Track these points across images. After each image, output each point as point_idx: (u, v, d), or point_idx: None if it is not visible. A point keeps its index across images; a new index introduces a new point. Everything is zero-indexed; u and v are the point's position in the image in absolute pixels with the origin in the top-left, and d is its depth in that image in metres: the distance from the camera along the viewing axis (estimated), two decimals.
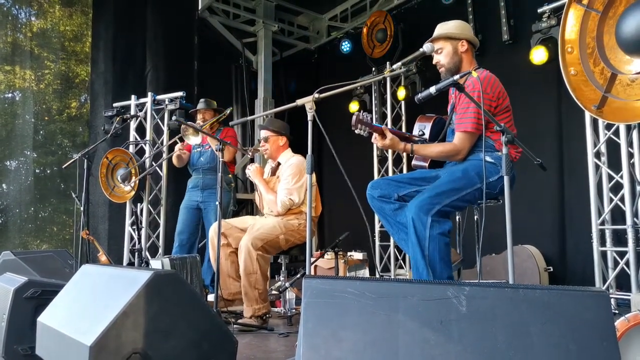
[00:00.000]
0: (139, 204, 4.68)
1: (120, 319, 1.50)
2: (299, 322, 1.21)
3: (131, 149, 4.71)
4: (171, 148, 4.47)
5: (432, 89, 2.05)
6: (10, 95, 5.52)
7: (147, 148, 4.71)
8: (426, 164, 2.54)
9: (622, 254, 3.34)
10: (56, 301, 1.94)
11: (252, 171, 3.36)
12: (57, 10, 5.78)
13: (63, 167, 4.26)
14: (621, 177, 3.34)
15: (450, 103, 2.59)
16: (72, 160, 4.12)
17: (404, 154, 4.80)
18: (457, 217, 2.79)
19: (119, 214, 4.91)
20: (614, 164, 3.42)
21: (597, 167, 3.49)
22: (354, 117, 2.27)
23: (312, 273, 3.86)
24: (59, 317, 1.81)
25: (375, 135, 2.39)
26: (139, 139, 4.80)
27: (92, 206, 4.78)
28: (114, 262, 4.47)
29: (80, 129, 5.95)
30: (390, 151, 5.18)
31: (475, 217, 2.60)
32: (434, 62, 2.51)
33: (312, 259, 3.46)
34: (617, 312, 2.78)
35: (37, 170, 5.63)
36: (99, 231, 5.05)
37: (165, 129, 4.74)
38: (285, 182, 3.22)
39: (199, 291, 3.35)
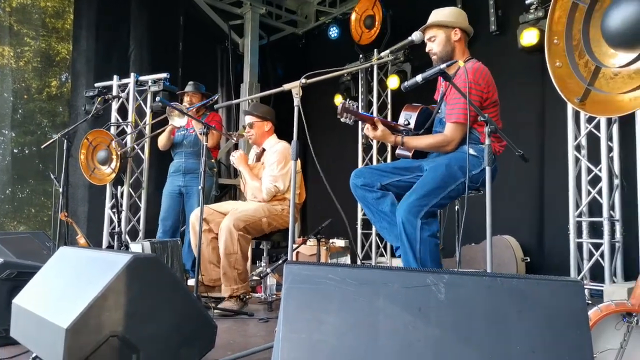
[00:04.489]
0: (119, 187, 4.61)
1: (99, 302, 1.48)
2: (279, 308, 1.21)
3: (112, 130, 4.62)
4: (156, 129, 4.40)
5: (419, 78, 2.04)
6: None
7: (128, 130, 4.63)
8: (410, 154, 2.55)
9: (597, 246, 3.42)
10: (32, 283, 1.91)
11: (236, 158, 3.33)
12: None
13: (42, 147, 4.18)
14: (600, 170, 3.41)
15: (439, 92, 2.59)
16: (52, 140, 4.03)
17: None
18: None
19: (99, 197, 4.83)
20: (594, 157, 3.49)
21: (577, 160, 3.55)
22: (340, 105, 2.27)
23: (294, 259, 3.87)
24: (35, 299, 1.79)
25: (367, 125, 2.39)
26: (120, 121, 4.72)
27: (71, 188, 4.70)
28: (93, 245, 4.41)
29: (61, 109, 5.82)
30: (375, 140, 5.19)
31: (456, 207, 2.62)
32: (426, 49, 2.49)
33: (295, 246, 3.47)
34: (590, 302, 2.86)
35: (15, 150, 5.51)
36: (78, 213, 4.98)
37: (147, 110, 4.66)
38: (270, 169, 3.20)
39: (180, 275, 3.33)
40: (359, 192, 2.46)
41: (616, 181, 3.43)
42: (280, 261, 3.48)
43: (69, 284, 1.75)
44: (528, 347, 1.08)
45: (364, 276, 1.20)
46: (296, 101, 2.21)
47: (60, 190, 3.95)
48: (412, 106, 2.60)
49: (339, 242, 4.42)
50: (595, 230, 3.51)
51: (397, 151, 2.58)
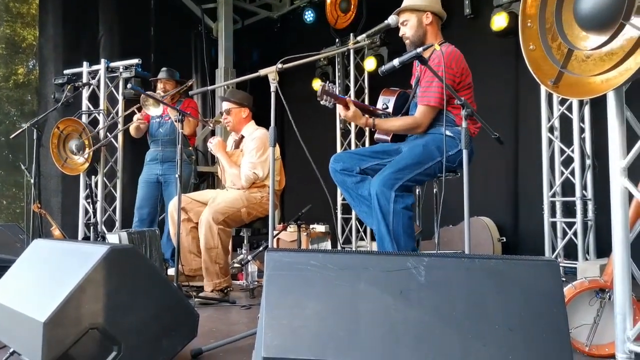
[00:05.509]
0: (93, 177, 4.51)
1: (76, 294, 1.45)
2: (261, 295, 1.21)
3: (84, 118, 4.50)
4: (129, 118, 4.30)
5: (396, 62, 2.05)
6: None
7: (100, 118, 4.51)
8: (388, 138, 2.56)
9: (570, 225, 3.53)
10: (6, 277, 1.87)
11: (214, 145, 3.29)
12: None
13: (11, 137, 4.05)
14: (572, 151, 3.50)
15: (414, 76, 2.60)
16: (21, 130, 3.91)
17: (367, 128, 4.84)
18: (417, 190, 2.84)
19: (72, 187, 4.72)
20: (566, 138, 3.57)
21: (550, 141, 3.63)
22: (320, 88, 2.27)
23: (275, 246, 3.87)
24: (10, 293, 1.74)
25: (339, 105, 2.39)
26: (92, 108, 4.58)
27: (43, 178, 4.57)
28: (68, 237, 4.32)
29: (29, 97, 5.64)
30: (353, 124, 5.19)
31: (435, 190, 2.66)
32: (400, 34, 2.50)
33: (275, 232, 3.46)
34: (564, 279, 2.95)
35: None
36: (52, 205, 4.86)
37: (120, 98, 4.54)
38: (249, 156, 3.17)
39: (159, 265, 3.30)
40: (339, 177, 2.47)
41: (588, 161, 3.52)
42: (261, 248, 3.48)
43: (44, 277, 1.71)
44: (506, 325, 1.11)
45: (345, 261, 1.21)
46: (273, 86, 2.19)
47: (32, 181, 3.85)
48: (390, 90, 2.61)
49: (319, 228, 4.44)
50: (569, 210, 3.61)
51: (376, 135, 2.59)
